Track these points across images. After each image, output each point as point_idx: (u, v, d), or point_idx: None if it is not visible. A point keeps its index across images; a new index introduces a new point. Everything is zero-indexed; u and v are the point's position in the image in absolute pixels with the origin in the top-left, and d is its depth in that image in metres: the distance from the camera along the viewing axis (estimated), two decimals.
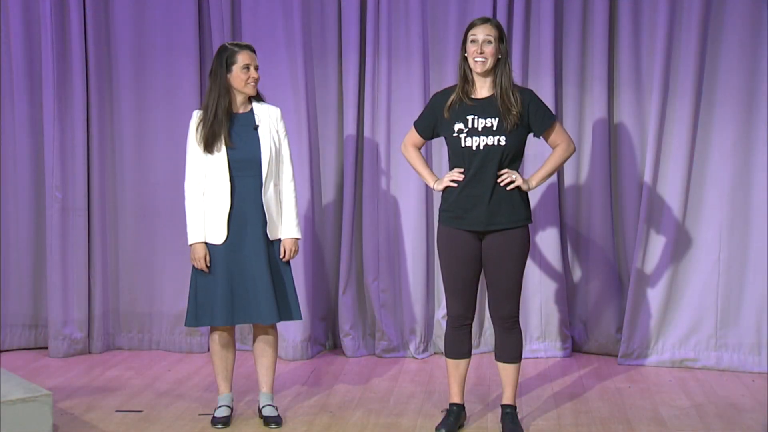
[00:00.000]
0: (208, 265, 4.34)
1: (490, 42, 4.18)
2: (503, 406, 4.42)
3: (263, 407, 4.53)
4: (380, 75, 5.70)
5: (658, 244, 5.54)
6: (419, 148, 4.56)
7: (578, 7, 5.61)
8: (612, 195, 5.69)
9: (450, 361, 4.43)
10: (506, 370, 4.37)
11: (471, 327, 4.40)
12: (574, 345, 5.85)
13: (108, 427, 4.43)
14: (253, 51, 4.42)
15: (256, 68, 4.40)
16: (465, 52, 4.24)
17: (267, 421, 4.48)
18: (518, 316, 4.35)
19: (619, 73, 5.60)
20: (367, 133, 5.72)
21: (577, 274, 5.80)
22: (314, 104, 5.79)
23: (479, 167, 4.21)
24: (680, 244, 5.53)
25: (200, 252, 4.34)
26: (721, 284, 5.48)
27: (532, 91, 4.34)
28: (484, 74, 4.23)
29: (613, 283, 5.71)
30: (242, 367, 5.38)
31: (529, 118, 4.24)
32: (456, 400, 4.45)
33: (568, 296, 5.78)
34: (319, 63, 5.79)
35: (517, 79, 5.55)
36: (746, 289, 5.46)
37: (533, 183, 4.30)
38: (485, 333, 5.81)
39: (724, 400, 4.90)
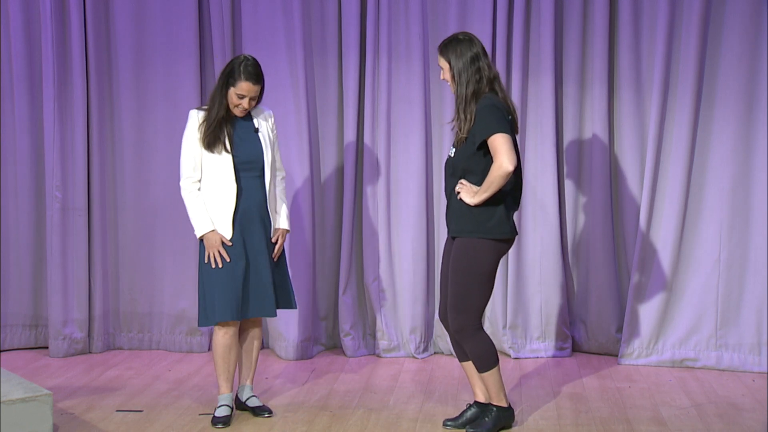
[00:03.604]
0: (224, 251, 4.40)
1: (441, 68, 4.25)
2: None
3: (249, 398, 4.62)
4: (380, 75, 5.70)
5: (658, 243, 5.54)
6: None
7: (578, 7, 5.61)
8: (612, 194, 5.69)
9: (461, 363, 4.46)
10: (481, 377, 4.33)
11: None
12: (575, 345, 5.84)
13: (108, 427, 4.43)
14: (259, 82, 4.37)
15: (253, 99, 4.40)
16: None
17: (259, 411, 4.57)
18: (467, 330, 4.21)
19: (619, 73, 5.60)
20: (367, 132, 5.72)
21: (577, 273, 5.80)
22: (314, 104, 5.79)
23: (445, 177, 4.34)
24: (680, 244, 5.52)
25: (215, 239, 4.38)
26: (722, 284, 5.48)
27: (488, 99, 4.16)
28: None
29: (613, 283, 5.71)
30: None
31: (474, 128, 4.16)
32: (477, 398, 4.45)
33: (568, 296, 5.78)
34: (319, 62, 5.79)
35: (517, 79, 5.60)
36: (746, 288, 5.46)
37: (475, 200, 4.14)
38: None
39: (724, 399, 4.90)
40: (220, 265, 4.37)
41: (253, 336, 4.63)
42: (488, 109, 4.12)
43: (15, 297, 5.95)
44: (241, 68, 4.36)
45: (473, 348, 4.24)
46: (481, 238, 4.17)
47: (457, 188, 4.21)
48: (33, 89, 5.86)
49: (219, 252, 4.37)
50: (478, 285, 4.18)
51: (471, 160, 4.17)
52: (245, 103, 4.38)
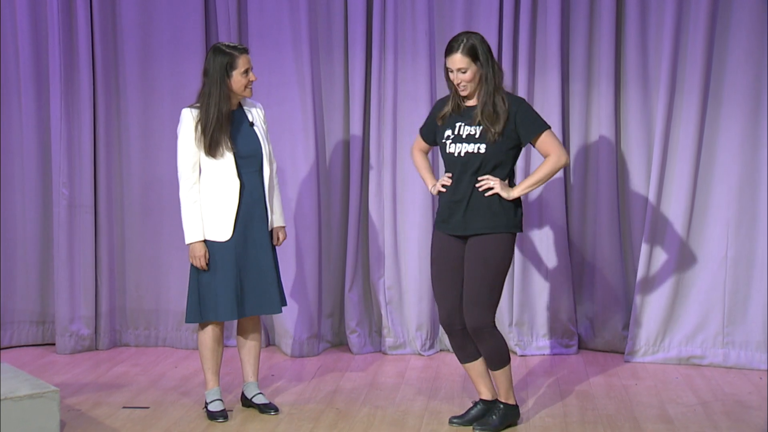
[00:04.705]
0: (208, 263, 4.40)
1: (463, 71, 4.18)
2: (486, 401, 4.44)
3: (255, 396, 4.61)
4: (386, 71, 5.69)
5: (665, 241, 5.53)
6: (426, 153, 4.58)
7: (585, 4, 5.60)
8: (619, 192, 5.68)
9: (463, 365, 4.43)
10: (493, 375, 4.35)
11: (466, 330, 4.30)
12: (581, 342, 5.84)
13: (115, 424, 4.44)
14: (246, 48, 4.46)
15: (251, 69, 4.44)
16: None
17: (265, 408, 4.57)
18: (488, 327, 4.21)
19: (626, 71, 5.59)
20: (373, 130, 5.72)
21: (583, 271, 5.79)
22: (320, 101, 5.79)
23: (460, 174, 4.25)
24: (687, 242, 5.52)
25: (200, 251, 4.39)
26: (728, 282, 5.47)
27: (523, 100, 4.29)
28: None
29: (620, 280, 5.70)
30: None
31: (516, 127, 4.19)
32: (482, 396, 4.44)
33: (574, 293, 5.78)
34: (325, 59, 5.78)
35: (523, 76, 5.59)
36: (753, 286, 5.45)
37: (514, 193, 4.19)
38: None
39: (731, 397, 4.89)
40: (206, 269, 4.40)
41: (254, 333, 4.62)
42: (528, 105, 4.25)
43: (22, 294, 5.96)
44: (228, 50, 4.37)
45: (491, 345, 4.24)
46: (509, 232, 4.22)
47: (486, 184, 4.18)
48: (40, 86, 5.87)
49: (203, 262, 4.39)
50: (502, 280, 4.24)
51: (507, 154, 4.21)
52: (252, 75, 4.41)
